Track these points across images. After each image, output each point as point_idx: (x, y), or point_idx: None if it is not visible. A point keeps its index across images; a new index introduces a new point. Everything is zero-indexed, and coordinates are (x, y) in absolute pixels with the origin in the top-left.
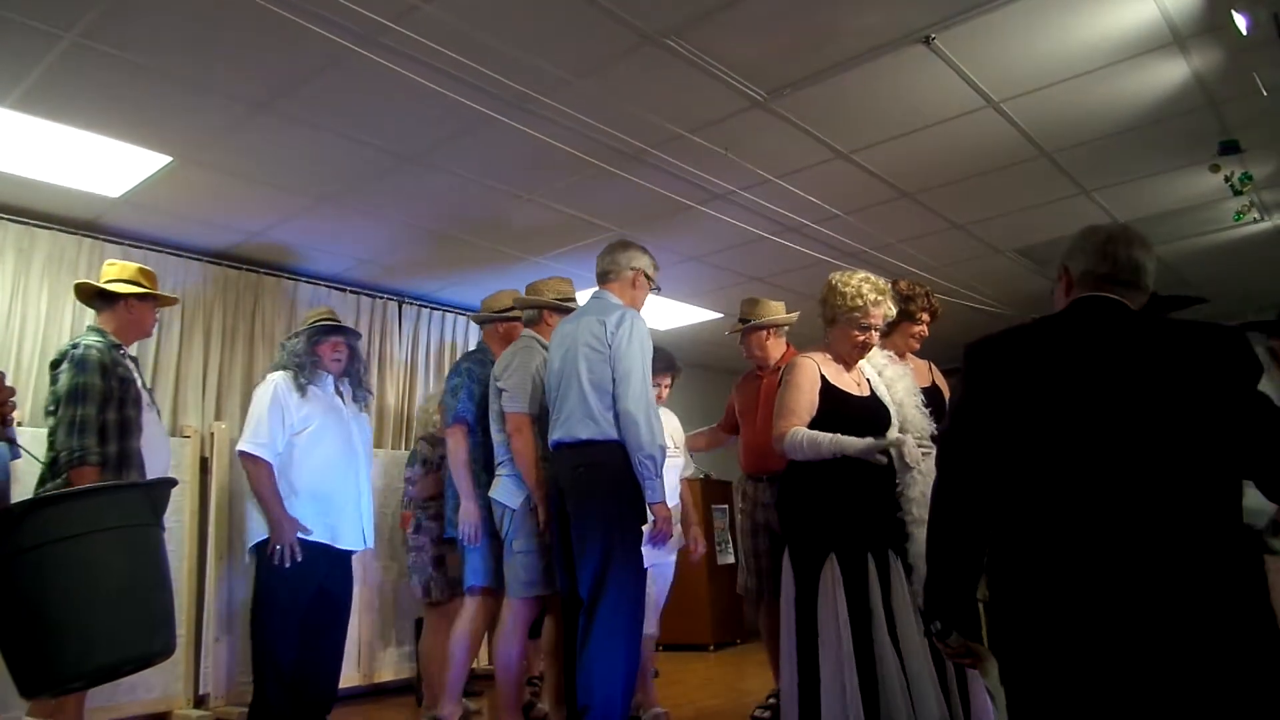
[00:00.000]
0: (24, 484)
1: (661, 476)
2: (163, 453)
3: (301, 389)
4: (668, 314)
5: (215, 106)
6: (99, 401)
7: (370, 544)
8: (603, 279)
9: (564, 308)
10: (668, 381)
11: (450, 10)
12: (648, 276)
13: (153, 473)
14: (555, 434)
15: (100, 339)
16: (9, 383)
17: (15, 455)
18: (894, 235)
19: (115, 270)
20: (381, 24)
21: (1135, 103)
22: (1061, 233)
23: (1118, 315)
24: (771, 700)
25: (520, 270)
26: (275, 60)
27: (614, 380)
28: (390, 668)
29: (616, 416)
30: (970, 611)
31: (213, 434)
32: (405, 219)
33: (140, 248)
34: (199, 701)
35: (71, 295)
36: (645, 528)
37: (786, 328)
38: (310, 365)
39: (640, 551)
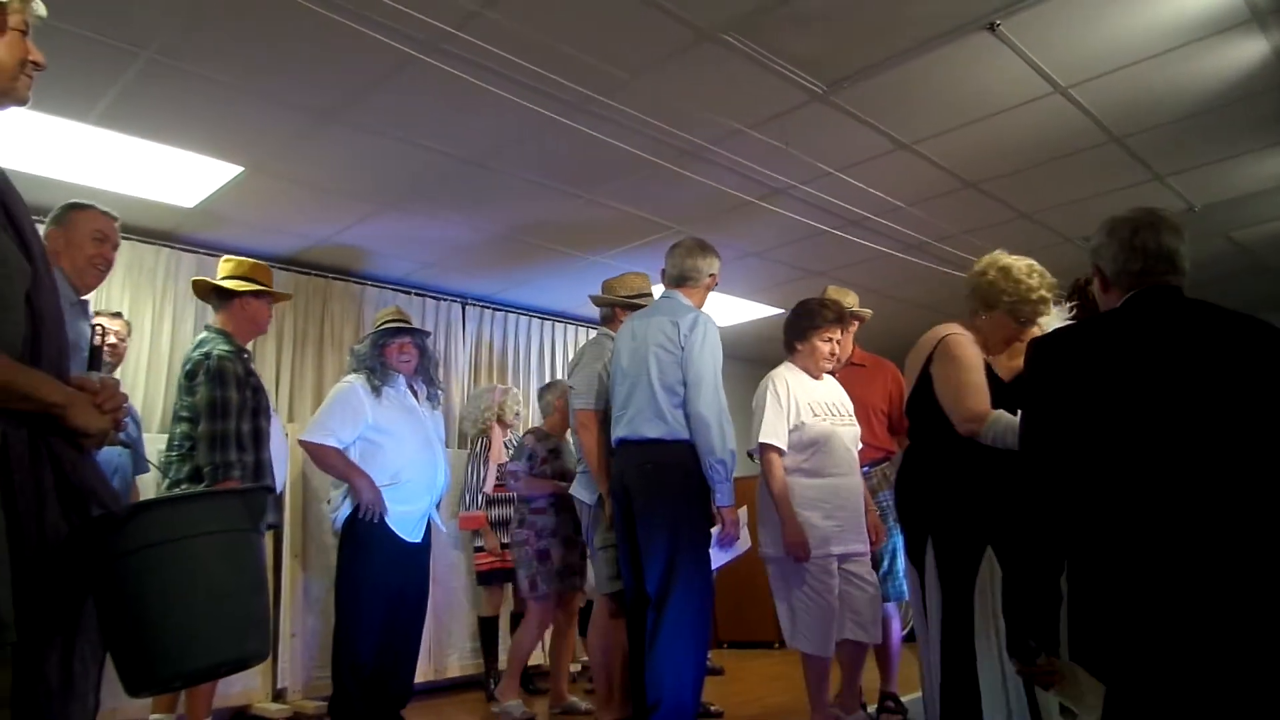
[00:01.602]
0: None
1: (731, 480)
2: (281, 458)
3: (376, 391)
4: (727, 310)
5: (284, 117)
6: (236, 415)
7: (429, 538)
8: (679, 283)
9: (635, 305)
10: (837, 335)
11: (510, 15)
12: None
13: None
14: (620, 430)
15: (228, 347)
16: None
17: (142, 469)
18: (958, 226)
19: (230, 266)
20: (444, 31)
21: (1211, 83)
22: None
23: (1180, 307)
24: (838, 697)
25: (581, 270)
26: (341, 70)
27: (685, 383)
28: (458, 664)
29: (687, 418)
30: (1054, 626)
31: (285, 435)
32: (468, 222)
33: (214, 255)
34: (277, 695)
35: (151, 303)
36: (714, 530)
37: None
38: (380, 368)
39: (707, 550)
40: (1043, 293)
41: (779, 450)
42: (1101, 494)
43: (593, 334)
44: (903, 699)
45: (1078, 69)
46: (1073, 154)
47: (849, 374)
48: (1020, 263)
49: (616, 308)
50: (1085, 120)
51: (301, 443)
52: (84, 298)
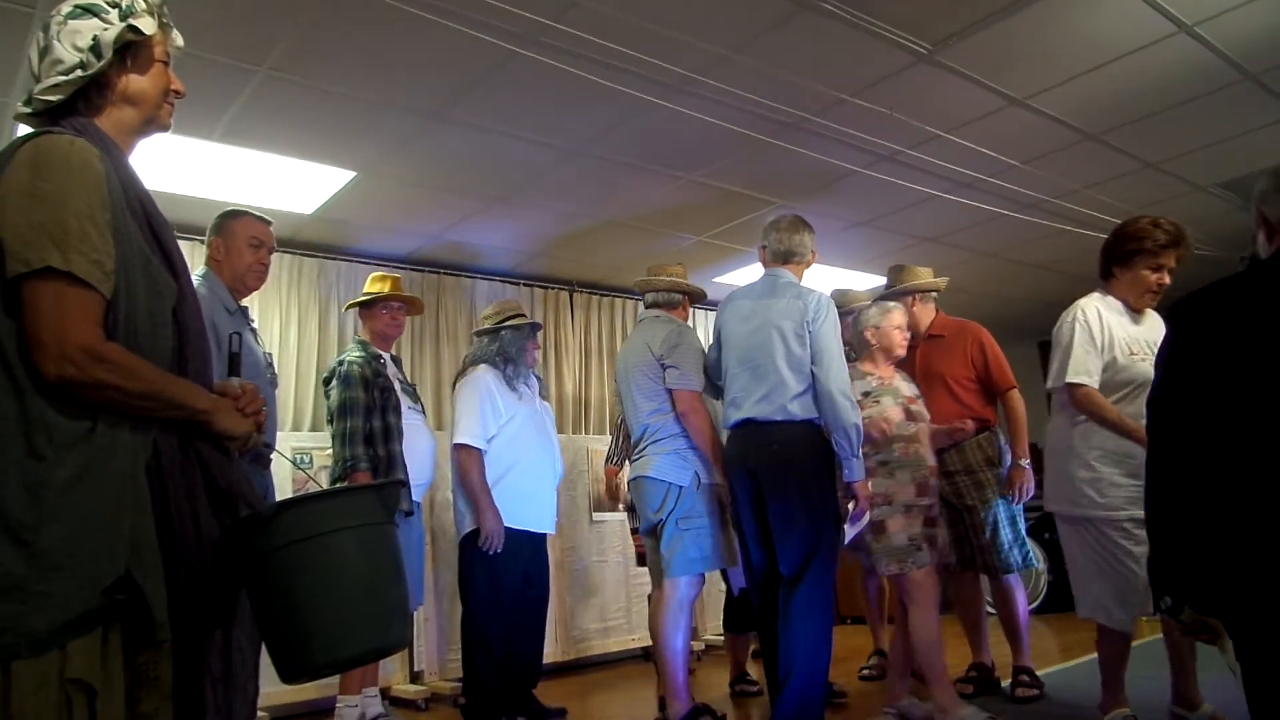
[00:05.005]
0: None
1: (860, 456)
2: (421, 450)
3: (511, 384)
4: (836, 282)
5: (392, 120)
6: (364, 413)
7: (554, 529)
8: (785, 259)
9: (701, 297)
10: (1171, 263)
11: (606, 2)
12: None
13: (415, 469)
14: (744, 412)
15: (362, 353)
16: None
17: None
18: (1079, 181)
19: (367, 283)
20: (542, 24)
21: None
22: (1272, 161)
23: None
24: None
25: (687, 251)
26: (446, 70)
27: (812, 360)
28: (581, 645)
29: (815, 394)
30: (1200, 584)
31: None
32: (573, 210)
33: (334, 259)
34: (414, 677)
35: (276, 310)
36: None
37: (935, 293)
38: (520, 362)
39: (837, 525)
40: None
41: (1092, 389)
42: (1246, 451)
43: (655, 314)
44: (1039, 673)
45: (1204, 4)
46: (1202, 96)
47: (927, 348)
48: None
49: (689, 296)
50: (1214, 59)
51: (455, 446)
52: (242, 303)
